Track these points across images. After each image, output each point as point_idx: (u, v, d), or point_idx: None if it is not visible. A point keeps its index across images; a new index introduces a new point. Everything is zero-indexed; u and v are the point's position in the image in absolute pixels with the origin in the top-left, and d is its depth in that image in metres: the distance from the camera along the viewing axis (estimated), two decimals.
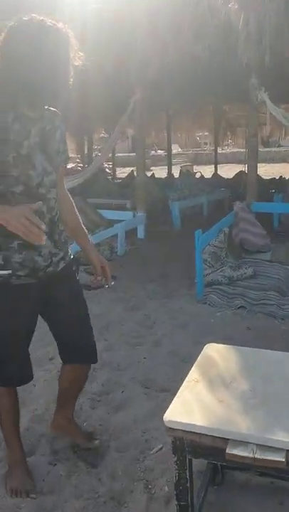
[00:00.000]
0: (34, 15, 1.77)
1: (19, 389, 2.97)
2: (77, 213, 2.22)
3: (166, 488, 2.10)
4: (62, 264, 2.05)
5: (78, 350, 2.20)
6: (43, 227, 1.66)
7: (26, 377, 2.14)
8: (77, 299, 2.18)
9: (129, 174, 12.49)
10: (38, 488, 2.15)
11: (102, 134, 18.08)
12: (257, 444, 1.47)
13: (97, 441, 2.39)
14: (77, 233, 2.20)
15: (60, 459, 2.35)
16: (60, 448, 2.42)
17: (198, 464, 1.94)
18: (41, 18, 1.76)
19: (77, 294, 2.18)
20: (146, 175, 8.67)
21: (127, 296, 4.71)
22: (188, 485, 1.65)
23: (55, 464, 2.31)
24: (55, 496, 2.11)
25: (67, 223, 2.12)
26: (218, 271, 4.97)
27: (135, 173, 8.53)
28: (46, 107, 1.95)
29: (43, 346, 3.44)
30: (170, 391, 2.88)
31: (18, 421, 2.21)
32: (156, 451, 2.35)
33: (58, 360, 3.29)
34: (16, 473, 2.18)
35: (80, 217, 2.22)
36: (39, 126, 1.90)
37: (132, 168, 12.34)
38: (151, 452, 2.35)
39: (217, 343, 2.31)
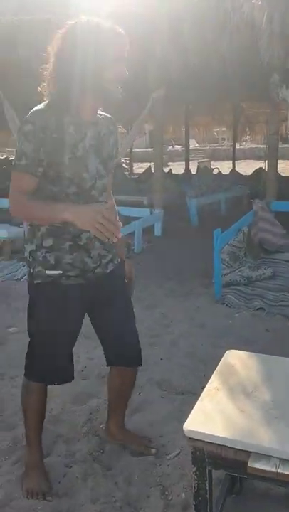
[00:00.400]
0: (86, 17, 1.79)
1: None
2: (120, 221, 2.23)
3: (184, 495, 2.07)
4: (110, 267, 2.07)
5: (123, 352, 2.22)
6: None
7: (69, 376, 2.15)
8: (124, 301, 2.19)
9: (146, 170, 12.44)
10: (54, 490, 2.13)
11: (120, 129, 18.03)
12: (280, 459, 1.43)
13: (153, 450, 2.36)
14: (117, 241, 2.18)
15: (76, 461, 2.33)
16: (76, 450, 2.41)
17: (217, 471, 1.91)
18: (96, 20, 1.78)
19: (124, 297, 2.19)
20: (163, 171, 8.61)
21: (144, 295, 4.68)
22: (207, 496, 1.62)
23: (71, 466, 2.29)
24: (70, 499, 2.09)
25: None
26: (237, 271, 4.92)
27: (153, 169, 8.48)
28: (102, 113, 1.98)
29: None
30: (187, 394, 2.86)
31: (42, 421, 2.21)
32: (174, 457, 2.32)
33: (76, 360, 3.31)
34: (32, 475, 2.17)
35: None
36: (94, 130, 1.92)
37: (149, 164, 12.29)
38: (168, 457, 2.33)
39: (235, 345, 2.28)
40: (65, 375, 2.13)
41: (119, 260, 2.15)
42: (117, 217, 2.21)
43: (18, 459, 2.33)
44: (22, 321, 4.10)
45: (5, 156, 19.33)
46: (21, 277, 5.45)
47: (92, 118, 1.92)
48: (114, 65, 1.79)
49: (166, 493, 2.12)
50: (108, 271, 2.06)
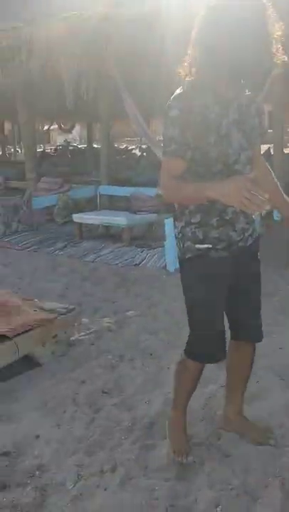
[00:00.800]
0: None
1: (151, 372, 3.06)
2: (275, 179, 2.20)
3: None
4: (250, 240, 2.10)
5: (247, 327, 2.24)
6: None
7: (223, 353, 2.16)
8: (257, 275, 2.21)
9: (265, 152, 12.00)
10: (171, 472, 2.17)
11: None
12: None
13: (272, 441, 2.32)
14: (275, 195, 2.13)
15: (193, 444, 2.33)
16: (193, 433, 2.41)
17: None
18: None
19: (257, 271, 2.21)
20: (284, 152, 8.27)
21: (262, 281, 4.54)
22: None
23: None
24: (188, 483, 2.10)
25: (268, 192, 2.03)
26: None
27: (272, 151, 8.17)
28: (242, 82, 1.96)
29: (179, 329, 3.46)
30: None
31: (191, 394, 2.31)
32: None
33: None
34: (177, 435, 2.28)
35: (278, 183, 2.20)
36: (237, 103, 1.93)
37: (268, 146, 11.87)
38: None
39: None
40: (221, 352, 2.15)
41: (257, 235, 2.15)
42: (277, 186, 2.17)
43: (137, 439, 2.40)
44: (140, 305, 4.25)
45: (124, 146, 19.90)
46: (139, 263, 5.60)
47: (235, 92, 1.92)
48: (268, 42, 1.75)
49: (286, 485, 2.04)
50: (248, 244, 2.09)
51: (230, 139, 1.89)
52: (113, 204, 8.20)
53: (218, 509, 1.96)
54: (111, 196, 8.30)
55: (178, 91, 1.87)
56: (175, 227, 2.10)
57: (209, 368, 2.83)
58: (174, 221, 2.12)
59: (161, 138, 1.94)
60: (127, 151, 17.36)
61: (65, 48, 6.74)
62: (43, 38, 6.96)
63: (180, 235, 2.05)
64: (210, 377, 2.85)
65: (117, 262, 5.68)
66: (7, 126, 18.62)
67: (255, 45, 1.72)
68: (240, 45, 1.72)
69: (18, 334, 3.02)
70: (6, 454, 2.33)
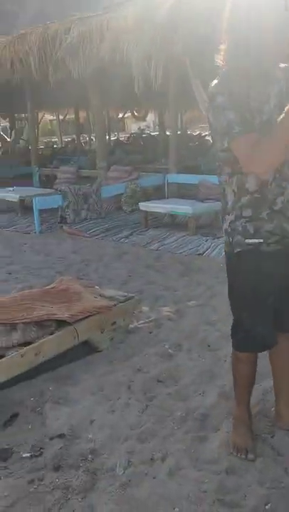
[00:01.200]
0: None
1: (208, 363, 3.02)
2: None
3: None
4: None
5: (285, 318, 2.16)
6: None
7: (272, 342, 2.13)
8: None
9: None
10: (222, 466, 2.14)
11: None
12: None
13: None
14: None
15: None
16: None
17: None
18: None
19: None
20: None
21: None
22: None
23: None
24: (238, 478, 2.07)
25: None
26: None
27: None
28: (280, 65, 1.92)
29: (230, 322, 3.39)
30: None
31: (252, 386, 2.29)
32: None
33: None
34: (239, 430, 2.25)
35: None
36: (277, 88, 1.88)
37: None
38: None
39: None
40: (268, 341, 2.11)
41: None
42: None
43: (190, 429, 2.39)
44: (201, 295, 4.21)
45: (198, 132, 19.69)
46: (203, 252, 5.55)
47: (272, 78, 1.87)
48: None
49: None
50: None
51: (272, 126, 1.82)
52: (181, 192, 8.16)
53: (267, 507, 1.91)
54: (179, 184, 8.26)
55: (215, 81, 1.86)
56: (224, 221, 2.05)
57: (265, 363, 2.78)
58: (222, 215, 2.07)
59: (218, 129, 1.88)
60: (200, 137, 17.17)
61: (135, 34, 6.74)
62: (113, 24, 7.00)
63: (230, 229, 2.02)
64: (265, 372, 2.77)
65: (181, 251, 5.66)
66: (82, 114, 18.95)
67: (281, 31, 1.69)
68: (266, 33, 1.70)
69: (78, 320, 3.09)
70: (61, 436, 2.40)
